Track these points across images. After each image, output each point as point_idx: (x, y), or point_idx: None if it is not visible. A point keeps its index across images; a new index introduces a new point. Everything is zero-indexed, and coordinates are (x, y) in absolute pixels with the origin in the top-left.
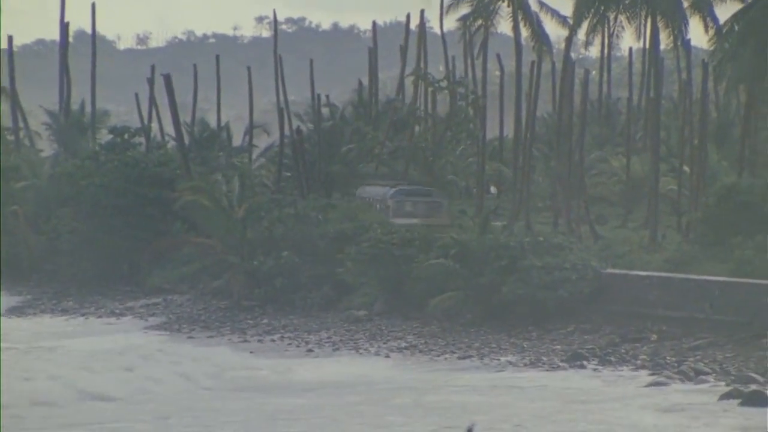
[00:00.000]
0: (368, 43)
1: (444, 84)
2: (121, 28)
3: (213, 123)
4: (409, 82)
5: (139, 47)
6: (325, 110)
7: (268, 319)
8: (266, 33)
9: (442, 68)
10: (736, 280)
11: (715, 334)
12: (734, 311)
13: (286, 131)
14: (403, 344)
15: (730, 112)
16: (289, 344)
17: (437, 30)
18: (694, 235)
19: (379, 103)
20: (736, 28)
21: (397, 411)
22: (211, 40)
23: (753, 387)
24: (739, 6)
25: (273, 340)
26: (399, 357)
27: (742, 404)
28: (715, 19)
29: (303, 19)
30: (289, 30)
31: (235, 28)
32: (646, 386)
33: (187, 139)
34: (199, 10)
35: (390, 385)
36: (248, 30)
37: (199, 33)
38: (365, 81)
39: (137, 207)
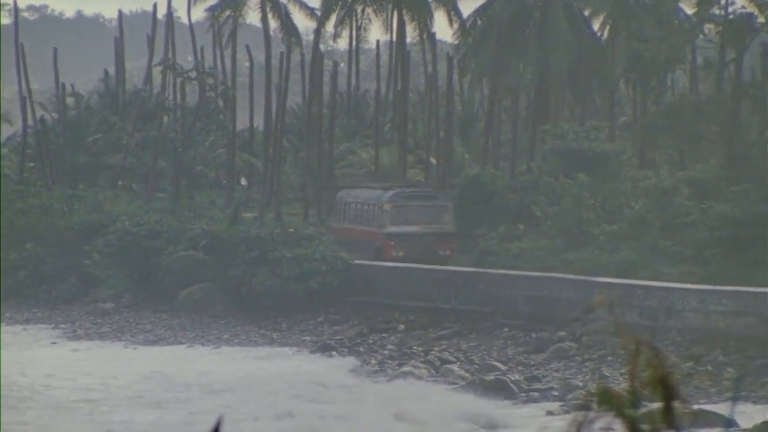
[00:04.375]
0: (114, 32)
1: (193, 74)
2: None
3: None
4: (157, 72)
5: None
6: (70, 100)
7: (10, 312)
8: (6, 20)
9: (190, 58)
10: (479, 270)
11: (460, 323)
12: (478, 301)
13: (30, 121)
14: (152, 337)
15: (474, 105)
16: (32, 338)
17: (185, 20)
18: None
19: (126, 93)
20: (479, 22)
21: None
22: None
23: (494, 375)
24: (482, 1)
25: (15, 334)
26: (145, 350)
27: (483, 391)
28: (459, 14)
29: (45, 7)
30: (31, 18)
31: None
32: (391, 379)
33: None
34: None
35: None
36: None
37: None
38: (112, 71)
39: None
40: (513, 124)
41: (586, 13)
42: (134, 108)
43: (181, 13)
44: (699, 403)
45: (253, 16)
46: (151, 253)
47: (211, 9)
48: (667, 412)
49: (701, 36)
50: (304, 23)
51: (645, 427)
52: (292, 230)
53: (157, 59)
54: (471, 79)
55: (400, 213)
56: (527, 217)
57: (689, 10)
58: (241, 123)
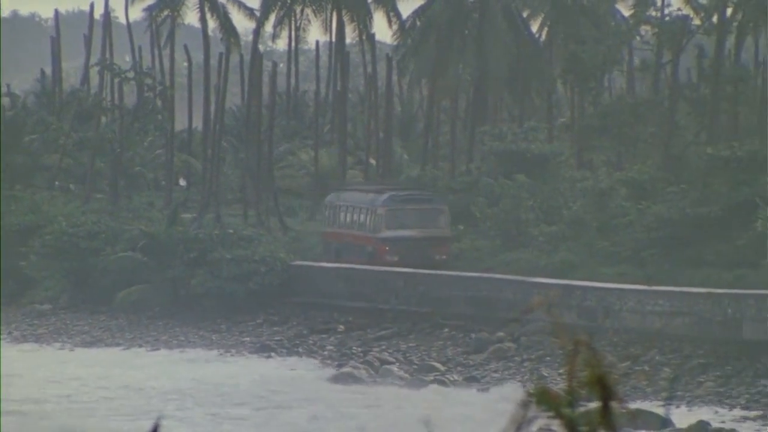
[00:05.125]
0: (51, 31)
1: (131, 75)
2: None
3: None
4: (94, 72)
5: None
6: (6, 100)
7: None
8: None
9: (128, 58)
10: (419, 271)
11: (399, 324)
12: (417, 302)
13: None
14: (89, 339)
15: (413, 106)
16: None
17: (123, 19)
18: None
19: (63, 93)
20: (418, 23)
21: None
22: None
23: (434, 375)
24: (421, 2)
25: None
26: (83, 352)
27: (424, 390)
28: (398, 15)
29: None
30: None
31: None
32: (331, 377)
33: None
34: None
35: None
36: None
37: None
38: (49, 70)
39: None
40: (452, 125)
41: (525, 14)
42: (71, 108)
43: (118, 13)
44: (636, 403)
45: (191, 16)
46: (89, 254)
47: (149, 9)
48: (605, 412)
49: (638, 38)
50: (243, 24)
51: (583, 427)
52: (231, 231)
53: (94, 59)
54: (410, 80)
55: (395, 217)
56: (466, 217)
57: (626, 12)
58: (180, 123)
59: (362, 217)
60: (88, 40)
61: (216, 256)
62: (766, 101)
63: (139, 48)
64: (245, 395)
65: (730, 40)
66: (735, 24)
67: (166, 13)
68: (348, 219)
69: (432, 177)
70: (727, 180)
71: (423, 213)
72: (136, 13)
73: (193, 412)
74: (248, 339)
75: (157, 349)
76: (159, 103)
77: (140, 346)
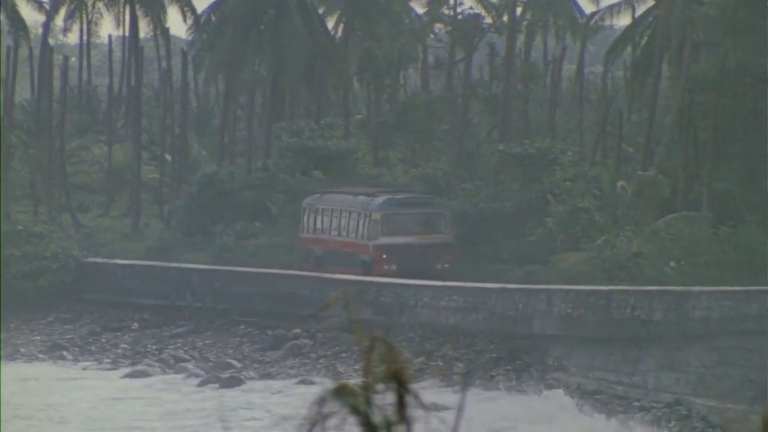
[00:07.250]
0: None
1: None
2: None
3: None
4: None
5: None
6: None
7: None
8: None
9: None
10: (215, 267)
11: (195, 321)
12: (213, 299)
13: None
14: None
15: (209, 102)
16: None
17: None
18: (176, 224)
19: None
20: (214, 18)
21: None
22: None
23: (230, 372)
24: None
25: None
26: None
27: (220, 387)
28: (193, 9)
29: None
30: None
31: None
32: (125, 376)
33: None
34: None
35: None
36: None
37: None
38: None
39: None
40: (249, 121)
41: (321, 10)
42: None
43: None
44: (430, 398)
45: None
46: None
47: None
48: (400, 407)
49: (432, 35)
50: (32, 16)
51: (378, 421)
52: (20, 228)
53: None
54: (206, 75)
55: (393, 222)
56: (264, 214)
57: (420, 10)
58: None
59: (352, 222)
60: None
61: (5, 253)
62: (555, 99)
63: None
64: (30, 400)
65: (521, 39)
66: (525, 23)
67: None
68: (333, 224)
69: (228, 173)
70: (519, 177)
71: (423, 217)
72: None
73: None
74: (39, 338)
75: None
76: None
77: None
